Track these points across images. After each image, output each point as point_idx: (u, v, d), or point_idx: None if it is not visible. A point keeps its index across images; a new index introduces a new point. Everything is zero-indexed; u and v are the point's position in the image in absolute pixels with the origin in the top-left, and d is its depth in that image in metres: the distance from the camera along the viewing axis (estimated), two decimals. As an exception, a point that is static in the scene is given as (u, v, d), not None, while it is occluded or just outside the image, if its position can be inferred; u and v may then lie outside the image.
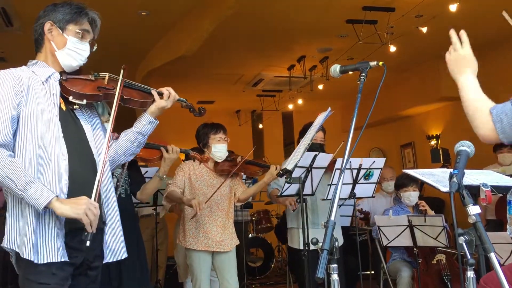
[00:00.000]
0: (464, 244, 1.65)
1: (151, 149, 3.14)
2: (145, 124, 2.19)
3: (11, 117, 1.85)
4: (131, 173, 3.37)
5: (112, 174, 3.04)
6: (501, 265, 1.54)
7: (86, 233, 1.83)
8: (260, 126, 9.72)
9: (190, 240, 3.46)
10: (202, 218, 3.49)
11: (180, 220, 3.61)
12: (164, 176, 3.21)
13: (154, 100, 2.21)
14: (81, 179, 1.95)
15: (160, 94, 2.22)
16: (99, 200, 1.95)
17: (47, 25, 2.03)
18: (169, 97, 2.21)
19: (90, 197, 1.90)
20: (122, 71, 2.12)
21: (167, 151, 3.10)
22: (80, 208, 1.82)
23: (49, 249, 1.83)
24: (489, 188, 1.81)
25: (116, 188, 3.09)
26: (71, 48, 2.03)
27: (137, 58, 6.67)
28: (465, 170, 1.73)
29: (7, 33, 5.58)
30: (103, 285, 2.85)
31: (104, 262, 2.05)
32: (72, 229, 1.90)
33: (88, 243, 1.83)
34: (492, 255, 1.55)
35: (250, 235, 7.15)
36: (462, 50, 1.98)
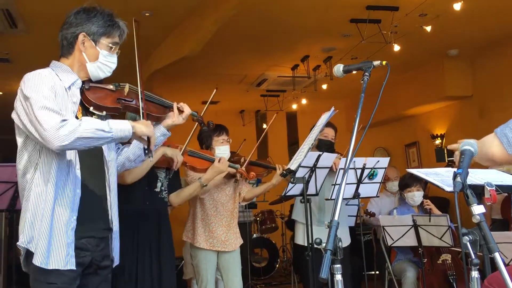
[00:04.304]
0: (468, 244, 1.64)
1: (203, 160, 3.26)
2: (158, 135, 2.24)
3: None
4: (171, 176, 3.30)
5: (157, 178, 3.08)
6: (506, 265, 1.53)
7: (147, 151, 1.99)
8: (264, 126, 9.72)
9: (198, 238, 3.48)
10: (208, 217, 3.51)
11: (189, 217, 3.61)
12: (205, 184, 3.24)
13: (168, 113, 2.27)
14: (91, 188, 2.00)
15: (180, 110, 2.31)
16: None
17: (81, 37, 2.02)
18: (183, 115, 2.31)
19: (102, 206, 2.03)
20: (134, 23, 2.16)
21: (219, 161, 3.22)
22: (151, 127, 2.00)
23: (58, 256, 1.87)
24: (494, 187, 1.79)
25: (160, 192, 3.08)
26: (103, 62, 2.06)
27: (140, 59, 6.67)
28: (470, 170, 1.72)
29: (11, 34, 5.59)
30: (147, 282, 2.91)
31: (114, 266, 2.11)
32: (83, 237, 1.96)
33: (151, 158, 2.04)
34: (497, 255, 1.54)
35: (254, 235, 7.15)
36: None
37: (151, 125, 2.01)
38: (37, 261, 1.84)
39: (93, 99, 2.02)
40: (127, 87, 2.12)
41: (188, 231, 3.59)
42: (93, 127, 1.83)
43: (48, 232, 1.85)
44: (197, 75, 7.30)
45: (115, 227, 2.11)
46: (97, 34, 2.03)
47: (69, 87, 1.98)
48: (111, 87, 2.10)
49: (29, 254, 1.88)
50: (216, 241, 3.49)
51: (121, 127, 1.90)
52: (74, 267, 1.90)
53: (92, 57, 2.04)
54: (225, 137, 3.59)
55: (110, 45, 2.07)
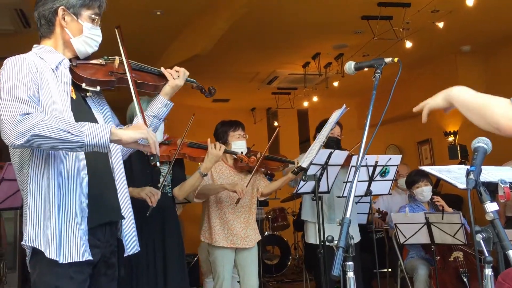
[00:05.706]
0: (481, 241, 1.63)
1: (199, 149, 3.20)
2: (160, 107, 2.11)
3: (30, 97, 1.71)
4: (174, 170, 3.24)
5: (160, 173, 3.07)
6: (520, 262, 1.52)
7: (152, 157, 1.82)
8: (276, 123, 9.72)
9: (216, 237, 3.47)
10: (226, 215, 3.51)
11: (204, 217, 3.61)
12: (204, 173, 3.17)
13: (166, 82, 2.14)
14: (98, 171, 1.89)
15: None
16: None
17: (60, 11, 1.89)
18: (179, 74, 2.16)
19: (108, 188, 1.93)
20: (116, 30, 2.02)
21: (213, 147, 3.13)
22: (143, 129, 1.80)
23: (71, 248, 1.74)
24: (508, 185, 1.77)
25: (163, 187, 3.04)
26: (88, 35, 1.93)
27: (152, 58, 6.71)
28: (484, 167, 1.70)
29: (24, 34, 5.65)
30: (150, 284, 2.89)
31: (125, 255, 1.98)
32: (99, 224, 1.85)
33: (158, 164, 1.82)
34: (510, 253, 1.52)
35: (266, 233, 7.16)
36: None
37: (144, 126, 1.84)
38: (51, 255, 1.70)
39: (84, 75, 1.91)
40: (117, 59, 2.03)
41: (205, 231, 3.57)
42: (57, 126, 1.65)
43: (56, 222, 1.72)
44: (209, 73, 7.31)
45: (127, 214, 1.98)
46: (77, 6, 1.90)
47: (56, 67, 1.87)
48: (100, 61, 2.01)
49: (34, 254, 1.76)
50: (236, 238, 3.48)
51: (95, 132, 1.68)
52: (90, 257, 1.77)
53: (76, 31, 1.91)
54: (241, 132, 3.59)
55: (93, 16, 1.94)
